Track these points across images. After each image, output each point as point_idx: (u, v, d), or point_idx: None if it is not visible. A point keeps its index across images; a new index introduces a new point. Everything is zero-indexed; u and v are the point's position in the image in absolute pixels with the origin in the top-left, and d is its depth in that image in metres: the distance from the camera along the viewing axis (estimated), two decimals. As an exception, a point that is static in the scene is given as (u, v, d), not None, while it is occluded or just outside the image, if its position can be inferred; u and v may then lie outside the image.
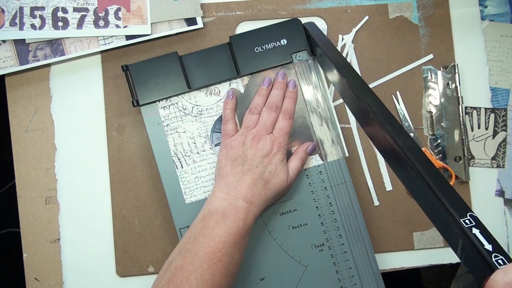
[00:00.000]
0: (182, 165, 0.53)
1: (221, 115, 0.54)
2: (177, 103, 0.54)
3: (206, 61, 0.54)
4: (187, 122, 0.54)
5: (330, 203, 0.53)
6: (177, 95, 0.54)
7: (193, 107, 0.54)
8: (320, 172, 0.54)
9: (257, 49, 0.54)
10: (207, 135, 0.54)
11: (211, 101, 0.54)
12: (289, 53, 0.55)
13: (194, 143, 0.54)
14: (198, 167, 0.54)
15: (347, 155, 0.55)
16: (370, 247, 0.53)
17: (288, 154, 0.53)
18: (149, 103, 0.53)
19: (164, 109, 0.54)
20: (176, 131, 0.54)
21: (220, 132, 0.54)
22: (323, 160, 0.54)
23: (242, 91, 0.55)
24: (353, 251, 0.53)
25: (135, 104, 0.53)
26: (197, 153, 0.54)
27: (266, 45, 0.55)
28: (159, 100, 0.54)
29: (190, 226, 0.47)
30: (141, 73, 0.53)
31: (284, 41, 0.55)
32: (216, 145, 0.54)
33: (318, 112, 0.54)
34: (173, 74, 0.53)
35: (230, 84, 0.55)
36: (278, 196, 0.51)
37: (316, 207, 0.53)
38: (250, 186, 0.48)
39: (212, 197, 0.48)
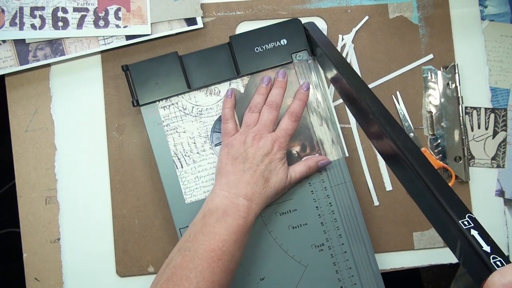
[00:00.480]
0: (182, 165, 0.53)
1: (221, 114, 0.54)
2: (177, 103, 0.54)
3: (206, 61, 0.54)
4: (187, 122, 0.54)
5: (330, 203, 0.53)
6: (177, 95, 0.54)
7: (193, 107, 0.54)
8: (320, 172, 0.54)
9: (257, 49, 0.54)
10: (207, 135, 0.54)
11: (211, 101, 0.54)
12: (289, 53, 0.55)
13: (194, 143, 0.54)
14: (198, 167, 0.54)
15: (347, 155, 0.55)
16: (370, 247, 0.53)
17: (288, 154, 0.53)
18: (149, 103, 0.53)
19: (164, 109, 0.54)
20: (176, 131, 0.54)
21: (220, 132, 0.54)
22: None
23: (242, 91, 0.55)
24: (353, 251, 0.53)
25: (135, 104, 0.53)
26: (197, 153, 0.54)
27: (266, 45, 0.55)
28: (159, 100, 0.54)
29: (190, 225, 0.47)
30: (141, 73, 0.53)
31: (284, 41, 0.55)
32: (216, 145, 0.54)
33: (318, 112, 0.54)
34: (173, 74, 0.53)
35: (230, 84, 0.55)
36: (278, 195, 0.51)
37: (316, 207, 0.53)
38: (250, 184, 0.48)
39: (213, 195, 0.48)
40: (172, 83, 0.53)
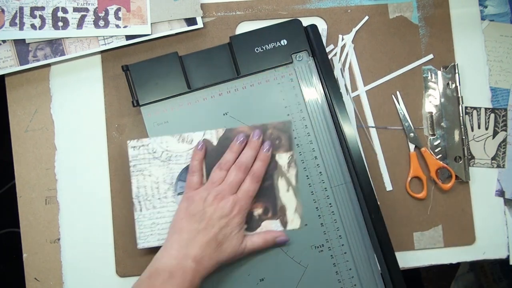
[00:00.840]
0: (141, 209, 0.52)
1: (189, 165, 0.52)
2: (148, 145, 0.53)
3: (206, 61, 0.54)
4: (154, 165, 0.53)
5: (330, 204, 0.53)
6: (177, 95, 0.54)
7: (163, 151, 0.53)
8: (320, 173, 0.54)
9: (257, 50, 0.54)
10: (172, 182, 0.53)
11: (182, 148, 0.53)
12: (289, 54, 0.55)
13: (157, 188, 0.53)
14: (157, 214, 0.52)
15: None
16: (370, 248, 0.53)
17: (248, 215, 0.52)
18: (149, 103, 0.53)
19: (134, 149, 0.52)
20: (142, 173, 0.52)
21: (185, 181, 0.52)
22: (283, 227, 0.53)
23: (215, 143, 0.53)
24: (353, 252, 0.53)
25: (135, 104, 0.53)
26: (159, 198, 0.52)
27: (266, 46, 0.54)
28: (157, 101, 0.53)
29: (136, 282, 0.47)
30: (141, 73, 0.53)
31: (284, 42, 0.55)
32: (179, 194, 0.52)
33: (286, 178, 0.53)
34: (173, 74, 0.53)
35: (204, 133, 0.53)
36: (229, 261, 0.49)
37: (316, 208, 0.53)
38: (202, 246, 0.47)
39: (163, 253, 0.47)
40: (172, 83, 0.53)
